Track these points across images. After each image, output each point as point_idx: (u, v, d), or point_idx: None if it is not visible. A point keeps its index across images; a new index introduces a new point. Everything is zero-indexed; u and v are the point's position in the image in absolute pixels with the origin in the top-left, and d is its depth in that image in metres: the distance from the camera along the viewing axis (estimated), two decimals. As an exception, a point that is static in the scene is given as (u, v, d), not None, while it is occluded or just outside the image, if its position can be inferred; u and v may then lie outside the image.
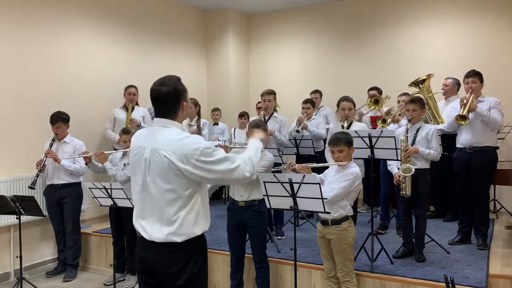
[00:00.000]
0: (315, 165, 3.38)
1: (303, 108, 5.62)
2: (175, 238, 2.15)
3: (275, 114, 5.22)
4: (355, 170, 3.30)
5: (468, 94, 4.29)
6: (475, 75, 4.35)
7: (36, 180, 4.51)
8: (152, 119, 6.07)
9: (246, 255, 3.88)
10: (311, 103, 5.68)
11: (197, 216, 2.21)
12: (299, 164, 3.40)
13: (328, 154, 4.04)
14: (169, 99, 2.21)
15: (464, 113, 4.19)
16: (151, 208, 2.21)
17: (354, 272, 3.39)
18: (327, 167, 3.52)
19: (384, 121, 4.97)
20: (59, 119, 4.76)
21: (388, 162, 4.29)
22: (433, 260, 3.98)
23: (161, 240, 2.16)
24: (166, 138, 2.17)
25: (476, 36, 6.41)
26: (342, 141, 3.32)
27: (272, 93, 5.14)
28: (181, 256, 2.18)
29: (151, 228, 2.20)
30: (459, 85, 5.30)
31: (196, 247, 2.22)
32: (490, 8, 6.32)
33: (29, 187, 4.50)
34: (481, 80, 4.36)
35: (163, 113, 2.25)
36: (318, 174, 3.35)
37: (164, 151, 2.13)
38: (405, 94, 5.16)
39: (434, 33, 6.71)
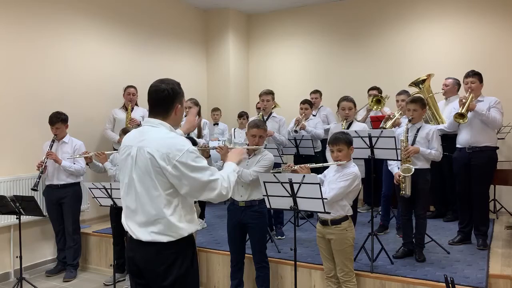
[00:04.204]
0: (314, 165, 3.39)
1: (301, 108, 5.62)
2: (160, 237, 2.16)
3: (273, 114, 5.23)
4: (354, 170, 3.31)
5: (468, 94, 4.30)
6: (474, 75, 4.35)
7: (38, 182, 4.53)
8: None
9: (246, 255, 3.88)
10: (309, 103, 5.69)
11: (181, 217, 2.20)
12: (298, 165, 3.40)
13: (329, 154, 4.05)
14: (165, 97, 2.24)
15: (462, 112, 4.19)
16: (136, 206, 2.21)
17: (354, 272, 3.40)
18: (326, 167, 3.52)
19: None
20: (58, 120, 4.76)
21: (389, 162, 4.30)
22: (433, 260, 3.98)
23: (146, 239, 2.17)
24: (152, 136, 2.19)
25: (476, 36, 6.41)
26: (342, 140, 3.33)
27: (270, 93, 5.14)
28: (166, 256, 2.18)
29: (137, 227, 2.21)
30: (459, 85, 5.30)
31: (182, 248, 2.22)
32: (490, 8, 6.32)
33: (32, 189, 4.50)
34: (481, 80, 4.37)
35: (156, 111, 2.27)
36: (318, 174, 3.36)
37: (149, 148, 2.14)
38: (403, 92, 5.15)
39: (434, 33, 6.71)
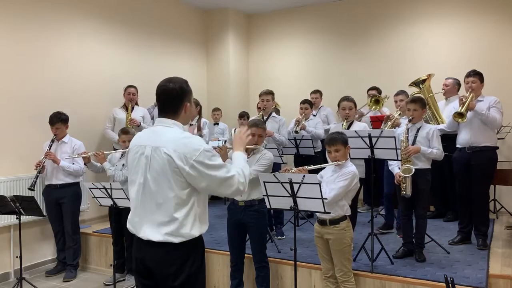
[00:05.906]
0: (312, 167, 3.38)
1: (301, 108, 5.61)
2: (172, 238, 2.15)
3: (273, 114, 5.22)
4: (352, 168, 3.31)
5: (468, 93, 4.29)
6: (475, 75, 4.35)
7: (36, 181, 4.51)
8: (152, 118, 6.08)
9: (246, 255, 3.88)
10: (309, 103, 5.68)
11: (195, 218, 2.20)
12: (296, 168, 3.39)
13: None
14: (174, 97, 2.25)
15: (462, 111, 4.19)
16: (150, 207, 2.20)
17: (352, 272, 3.40)
18: (323, 168, 3.51)
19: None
20: (58, 120, 4.76)
21: (389, 162, 4.29)
22: (433, 260, 3.98)
23: (158, 239, 2.15)
24: (167, 136, 2.18)
25: (476, 36, 6.40)
26: (338, 140, 3.33)
27: (270, 93, 5.13)
28: (178, 256, 2.17)
29: (149, 227, 2.19)
30: (459, 85, 5.30)
31: (193, 248, 2.22)
32: (490, 8, 6.31)
33: (29, 189, 4.50)
34: (481, 80, 4.36)
35: (166, 111, 2.27)
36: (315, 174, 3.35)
37: (165, 149, 2.14)
38: (401, 92, 5.14)
39: (434, 33, 6.70)
